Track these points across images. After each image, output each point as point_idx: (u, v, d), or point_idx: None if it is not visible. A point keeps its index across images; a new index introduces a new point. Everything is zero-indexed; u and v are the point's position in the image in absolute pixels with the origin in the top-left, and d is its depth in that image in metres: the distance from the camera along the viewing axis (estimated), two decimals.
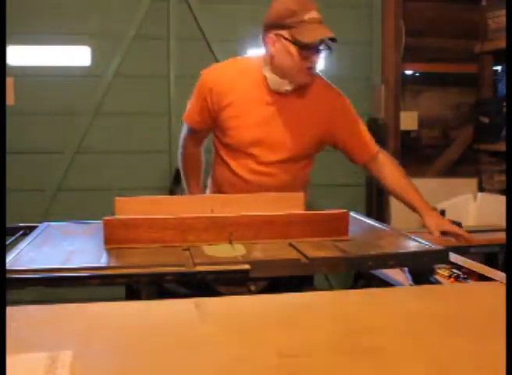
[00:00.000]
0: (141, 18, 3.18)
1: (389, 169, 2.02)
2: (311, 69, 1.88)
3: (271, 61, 1.90)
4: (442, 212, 3.16)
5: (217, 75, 1.99)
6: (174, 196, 2.23)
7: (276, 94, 1.93)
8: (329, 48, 1.84)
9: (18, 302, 1.20)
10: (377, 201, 3.39)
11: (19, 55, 3.08)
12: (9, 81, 3.04)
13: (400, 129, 3.47)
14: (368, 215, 3.10)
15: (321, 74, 2.03)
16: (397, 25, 3.42)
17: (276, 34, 1.83)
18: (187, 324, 1.09)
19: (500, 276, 1.48)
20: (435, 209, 1.98)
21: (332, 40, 1.81)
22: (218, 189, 2.08)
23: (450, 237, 1.89)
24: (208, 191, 2.16)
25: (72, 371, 0.85)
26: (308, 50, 1.83)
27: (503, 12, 3.29)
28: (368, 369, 0.90)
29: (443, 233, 1.88)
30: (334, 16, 3.35)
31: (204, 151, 2.14)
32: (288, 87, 1.92)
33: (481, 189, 3.49)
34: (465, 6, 3.56)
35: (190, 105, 2.03)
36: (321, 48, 1.84)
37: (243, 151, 1.97)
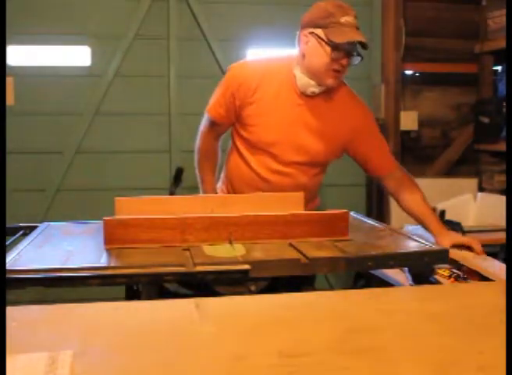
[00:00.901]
0: (141, 18, 3.18)
1: (409, 192, 1.96)
2: (339, 72, 1.87)
3: (302, 60, 1.90)
4: (442, 212, 3.16)
5: (247, 71, 1.98)
6: (174, 196, 2.22)
7: (304, 96, 1.93)
8: (360, 55, 1.86)
9: (18, 302, 1.20)
10: (377, 201, 3.39)
11: (19, 55, 3.08)
12: (9, 81, 3.03)
13: (400, 129, 3.47)
14: (368, 215, 3.10)
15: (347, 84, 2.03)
16: (397, 25, 3.41)
17: (311, 32, 1.85)
18: (187, 324, 1.09)
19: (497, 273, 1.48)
20: (450, 230, 1.94)
21: (364, 46, 1.82)
22: (230, 182, 2.08)
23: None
24: (219, 183, 2.15)
25: (72, 371, 0.86)
26: (339, 52, 1.83)
27: (503, 12, 3.29)
28: (368, 369, 0.90)
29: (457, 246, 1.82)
30: None
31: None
32: (315, 89, 1.91)
33: (481, 189, 3.49)
34: (465, 6, 3.56)
35: (215, 97, 2.02)
36: (353, 53, 1.85)
37: (262, 149, 1.97)
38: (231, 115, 2.00)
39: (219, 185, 2.14)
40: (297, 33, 1.91)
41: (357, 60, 1.87)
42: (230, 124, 2.04)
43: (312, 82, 1.90)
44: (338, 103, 1.97)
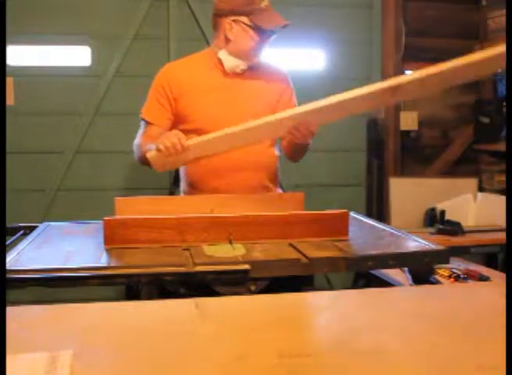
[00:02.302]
0: (141, 18, 3.17)
1: None
2: (262, 50, 2.03)
3: (226, 44, 2.02)
4: (442, 212, 3.17)
5: (172, 67, 2.12)
6: (174, 196, 2.21)
7: (231, 74, 2.04)
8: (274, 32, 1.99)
9: (18, 302, 1.20)
10: (377, 201, 3.39)
11: (19, 55, 3.07)
12: (9, 81, 3.03)
13: (399, 129, 3.47)
14: (368, 215, 3.10)
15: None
16: (397, 25, 3.41)
17: (234, 20, 1.98)
18: (187, 324, 1.09)
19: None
20: None
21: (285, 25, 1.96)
22: (192, 184, 2.05)
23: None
24: (181, 195, 2.12)
25: (72, 371, 0.86)
26: (264, 35, 1.98)
27: (503, 12, 3.29)
28: (367, 369, 0.90)
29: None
30: (334, 15, 3.38)
31: None
32: (243, 67, 2.03)
33: (481, 189, 3.48)
34: (465, 6, 3.56)
35: (149, 101, 2.09)
36: (275, 32, 1.99)
37: (209, 131, 1.92)
38: (167, 114, 2.04)
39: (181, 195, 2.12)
40: (212, 21, 2.05)
41: (275, 36, 2.02)
42: (166, 127, 2.04)
43: (240, 61, 2.03)
44: (264, 74, 2.10)
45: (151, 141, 1.95)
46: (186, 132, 1.98)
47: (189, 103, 2.03)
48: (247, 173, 2.00)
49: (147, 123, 2.08)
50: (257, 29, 1.96)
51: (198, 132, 1.96)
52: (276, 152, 2.13)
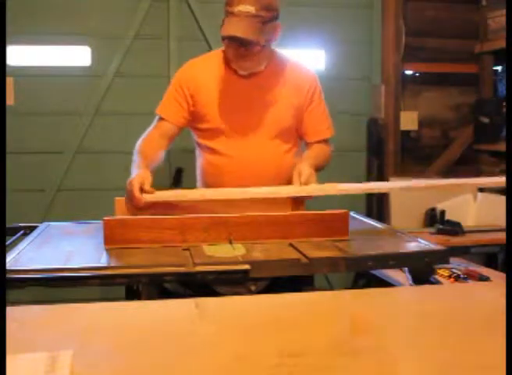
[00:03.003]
0: (141, 18, 3.17)
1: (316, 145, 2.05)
2: (245, 59, 1.87)
3: None
4: (442, 212, 3.17)
5: (191, 66, 2.03)
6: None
7: (248, 75, 1.94)
8: (259, 43, 1.82)
9: (18, 302, 1.20)
10: (377, 201, 3.39)
11: (19, 55, 3.07)
12: (9, 81, 3.03)
13: (399, 129, 3.47)
14: (368, 215, 3.10)
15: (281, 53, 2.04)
16: (397, 25, 3.41)
17: (222, 20, 1.85)
18: (187, 324, 1.09)
19: None
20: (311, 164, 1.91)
21: (244, 40, 1.79)
22: (205, 182, 2.04)
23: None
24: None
25: (72, 371, 0.85)
26: (230, 42, 1.84)
27: (503, 12, 3.29)
28: (367, 369, 0.90)
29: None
30: (334, 15, 3.38)
31: None
32: (243, 72, 1.93)
33: (481, 189, 3.48)
34: (465, 6, 3.56)
35: (166, 98, 2.02)
36: (245, 43, 1.82)
37: (227, 131, 1.95)
38: (183, 112, 1.98)
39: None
40: None
41: (256, 47, 1.84)
42: (181, 126, 2.01)
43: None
44: (283, 72, 1.98)
45: (139, 155, 1.90)
46: (204, 131, 1.99)
47: (206, 102, 1.96)
48: (265, 179, 1.89)
49: (161, 119, 2.02)
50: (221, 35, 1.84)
51: (214, 131, 1.96)
52: (294, 160, 2.03)
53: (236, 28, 1.78)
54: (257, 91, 1.96)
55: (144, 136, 2.01)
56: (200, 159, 2.06)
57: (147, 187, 1.68)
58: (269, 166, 1.95)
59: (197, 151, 2.08)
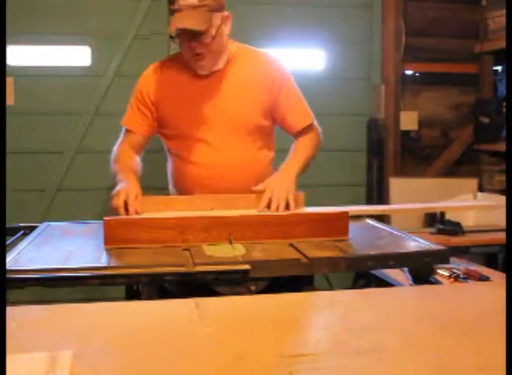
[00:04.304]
0: (141, 18, 3.17)
1: (304, 137, 2.01)
2: (199, 57, 1.83)
3: None
4: (442, 212, 3.16)
5: (152, 70, 1.98)
6: (174, 196, 2.21)
7: (206, 74, 1.90)
8: (202, 32, 1.76)
9: (18, 302, 1.20)
10: (377, 201, 3.39)
11: (19, 55, 3.07)
12: (9, 81, 3.03)
13: (399, 129, 3.47)
14: (368, 215, 3.10)
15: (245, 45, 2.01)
16: (397, 25, 3.41)
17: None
18: (187, 324, 1.09)
19: None
20: (288, 172, 1.89)
21: (194, 31, 1.75)
22: (178, 190, 2.03)
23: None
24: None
25: (72, 371, 0.85)
26: (181, 39, 1.80)
27: (503, 12, 3.29)
28: (367, 369, 0.90)
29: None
30: (334, 15, 3.38)
31: None
32: (202, 72, 1.89)
33: (481, 189, 3.48)
34: (465, 6, 3.56)
35: (130, 108, 1.99)
36: (195, 36, 1.77)
37: (191, 135, 1.92)
38: (148, 121, 1.96)
39: None
40: None
41: (207, 37, 1.79)
42: (148, 135, 1.99)
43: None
44: (248, 63, 1.94)
45: (120, 165, 1.91)
46: (169, 137, 1.97)
47: (168, 108, 1.93)
48: (236, 182, 1.89)
49: (128, 131, 2.00)
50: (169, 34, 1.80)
51: (179, 136, 1.95)
52: (270, 154, 2.03)
53: (181, 21, 1.73)
54: (219, 92, 1.91)
55: (115, 148, 2.02)
56: (169, 164, 2.06)
57: (134, 199, 1.69)
58: (237, 168, 1.91)
59: (167, 155, 2.07)
